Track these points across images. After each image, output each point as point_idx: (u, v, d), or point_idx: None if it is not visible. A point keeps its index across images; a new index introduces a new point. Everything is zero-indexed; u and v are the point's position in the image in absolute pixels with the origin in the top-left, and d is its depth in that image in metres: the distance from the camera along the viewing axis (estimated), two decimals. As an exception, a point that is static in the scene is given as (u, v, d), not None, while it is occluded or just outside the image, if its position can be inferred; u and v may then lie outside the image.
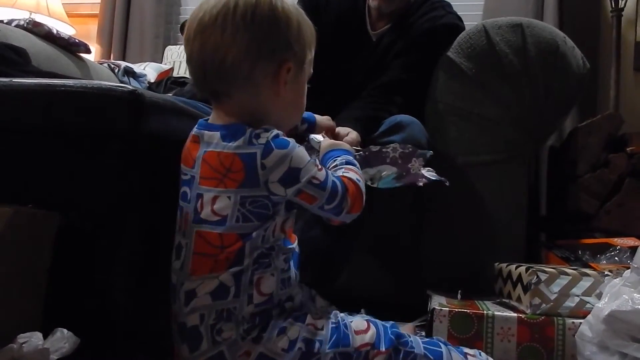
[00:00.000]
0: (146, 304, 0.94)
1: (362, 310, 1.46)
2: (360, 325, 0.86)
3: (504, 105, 1.51)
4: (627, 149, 1.71)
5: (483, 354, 0.91)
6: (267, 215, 0.82)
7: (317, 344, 0.82)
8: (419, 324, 1.41)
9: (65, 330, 0.76)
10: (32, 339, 0.73)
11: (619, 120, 1.80)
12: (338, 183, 0.86)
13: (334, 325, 0.85)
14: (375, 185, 1.05)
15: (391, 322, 0.89)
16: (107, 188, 0.89)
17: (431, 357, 0.85)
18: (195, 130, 0.88)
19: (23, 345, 0.72)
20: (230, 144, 0.82)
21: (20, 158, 0.90)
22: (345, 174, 0.88)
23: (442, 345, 0.87)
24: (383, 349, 0.83)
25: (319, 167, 0.85)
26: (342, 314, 0.89)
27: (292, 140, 0.84)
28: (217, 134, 0.84)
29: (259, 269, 0.82)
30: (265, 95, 0.86)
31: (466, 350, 0.89)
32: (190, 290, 0.82)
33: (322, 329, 0.83)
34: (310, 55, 0.91)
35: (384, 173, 1.05)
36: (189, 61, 0.86)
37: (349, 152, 0.97)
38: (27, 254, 0.81)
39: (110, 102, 0.84)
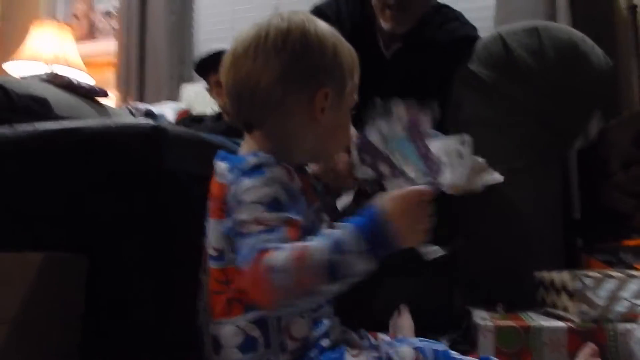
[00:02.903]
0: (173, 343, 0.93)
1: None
2: (408, 357, 0.77)
3: (527, 109, 1.49)
4: (659, 144, 1.66)
5: None
6: None
7: None
8: (450, 340, 1.36)
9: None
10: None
11: (647, 116, 1.75)
12: (249, 255, 0.69)
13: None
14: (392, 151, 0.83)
15: (443, 346, 0.81)
16: (135, 227, 0.89)
17: None
18: (214, 161, 0.87)
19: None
20: (229, 174, 0.79)
21: (47, 202, 0.90)
22: (272, 252, 0.68)
23: None
24: None
25: (267, 224, 0.71)
26: (386, 344, 0.80)
27: (272, 177, 0.75)
28: (227, 165, 0.81)
29: (284, 313, 0.77)
30: (299, 121, 0.82)
31: None
32: (215, 336, 0.79)
33: None
34: (352, 82, 0.87)
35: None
36: (225, 93, 0.85)
37: (389, 243, 0.72)
38: (59, 299, 0.80)
39: (135, 138, 0.84)
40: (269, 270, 0.67)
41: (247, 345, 0.76)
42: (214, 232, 0.80)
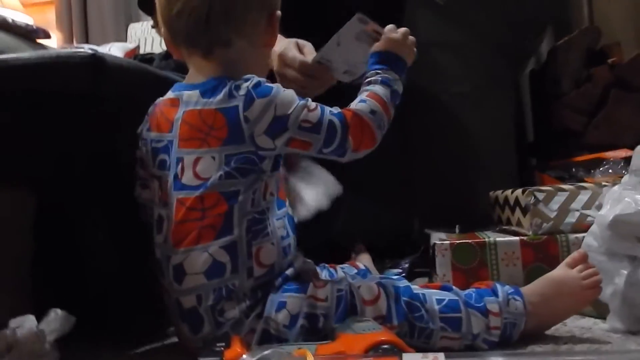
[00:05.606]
0: (132, 275, 0.91)
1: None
2: (370, 293, 0.78)
3: (480, 31, 1.48)
4: (608, 61, 1.68)
5: (506, 302, 0.80)
6: (252, 171, 0.77)
7: (321, 319, 0.76)
8: (409, 262, 1.40)
9: (59, 311, 0.73)
10: (26, 323, 0.70)
11: (596, 33, 1.77)
12: (337, 122, 0.79)
13: (339, 294, 0.78)
14: None
15: (404, 281, 0.82)
16: (74, 158, 0.86)
17: (449, 330, 0.78)
18: (172, 93, 0.84)
19: (16, 329, 0.69)
20: (211, 99, 0.79)
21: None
22: (354, 106, 0.82)
23: (460, 305, 0.79)
24: (395, 322, 0.77)
25: (311, 106, 0.79)
26: (350, 277, 0.82)
27: (275, 85, 0.79)
28: (197, 92, 0.80)
29: (256, 238, 0.77)
30: (258, 45, 0.85)
31: (489, 306, 0.79)
32: (178, 265, 0.77)
33: (325, 299, 0.77)
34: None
35: None
36: (181, 12, 0.80)
37: (403, 63, 0.90)
38: (6, 238, 0.77)
39: (71, 67, 0.80)
40: (365, 116, 0.80)
41: (214, 270, 0.76)
42: (196, 161, 0.78)
